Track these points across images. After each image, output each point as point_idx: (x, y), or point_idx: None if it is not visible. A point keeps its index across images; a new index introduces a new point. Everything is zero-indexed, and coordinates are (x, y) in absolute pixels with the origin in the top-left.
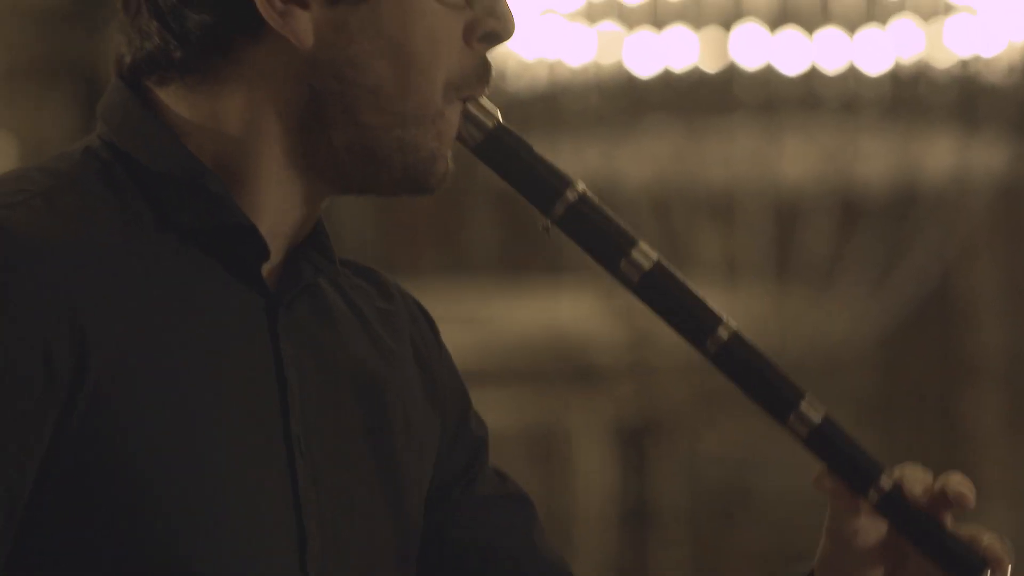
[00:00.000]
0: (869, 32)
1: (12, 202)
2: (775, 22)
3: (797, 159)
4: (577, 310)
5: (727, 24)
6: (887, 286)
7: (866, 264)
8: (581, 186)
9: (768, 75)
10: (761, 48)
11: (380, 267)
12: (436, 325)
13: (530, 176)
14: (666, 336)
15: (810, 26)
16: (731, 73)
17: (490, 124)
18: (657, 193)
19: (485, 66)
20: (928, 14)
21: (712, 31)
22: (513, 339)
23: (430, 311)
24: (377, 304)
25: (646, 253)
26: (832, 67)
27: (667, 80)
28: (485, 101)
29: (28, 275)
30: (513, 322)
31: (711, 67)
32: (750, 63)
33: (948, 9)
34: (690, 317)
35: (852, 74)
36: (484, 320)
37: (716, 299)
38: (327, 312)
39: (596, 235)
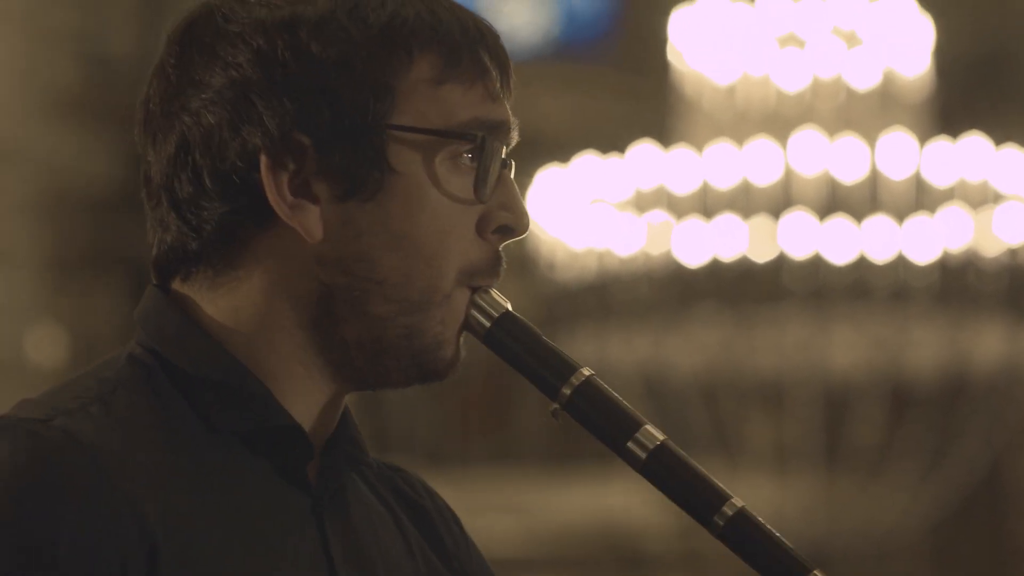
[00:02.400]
0: (918, 220)
1: (70, 408)
2: (824, 211)
3: (846, 348)
4: (627, 498)
5: (776, 213)
6: (937, 474)
7: (916, 452)
8: (588, 371)
9: (817, 264)
10: (810, 237)
11: (430, 456)
12: (461, 522)
13: (537, 363)
14: None
15: (859, 215)
16: (780, 262)
17: (496, 313)
18: (706, 381)
19: (497, 257)
20: (977, 203)
21: (761, 220)
22: (562, 527)
23: (479, 500)
24: (405, 499)
25: (652, 435)
26: (881, 256)
27: (716, 269)
28: (496, 293)
29: (97, 478)
30: (562, 510)
31: (760, 256)
32: (799, 252)
33: (997, 198)
34: (696, 496)
35: (901, 263)
36: (533, 508)
37: (765, 487)
38: (361, 505)
39: (602, 418)
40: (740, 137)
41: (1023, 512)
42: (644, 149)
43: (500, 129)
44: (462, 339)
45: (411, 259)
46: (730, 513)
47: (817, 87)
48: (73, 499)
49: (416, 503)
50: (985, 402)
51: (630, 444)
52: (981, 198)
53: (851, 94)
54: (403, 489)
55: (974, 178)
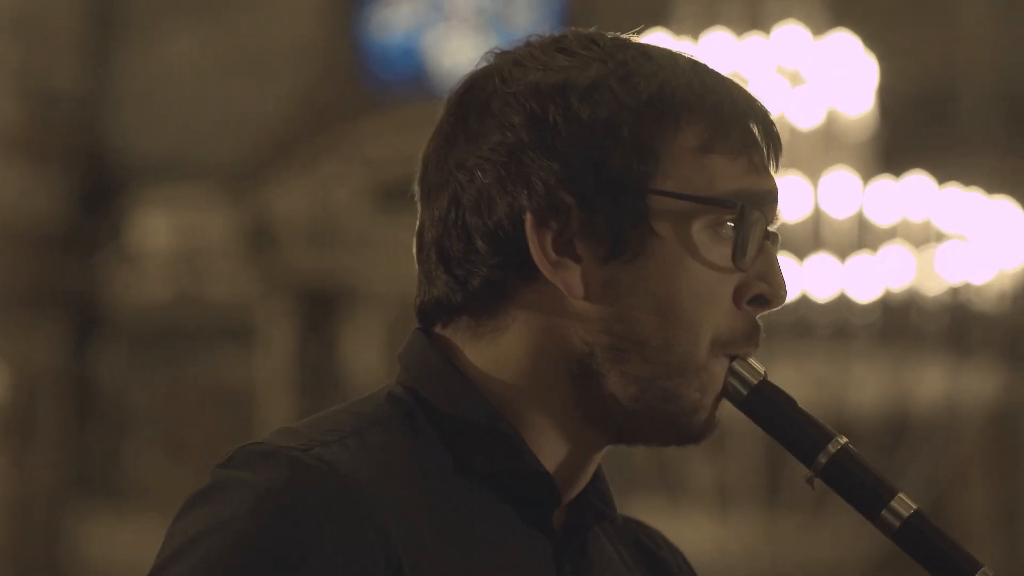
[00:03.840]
0: (860, 259)
1: (327, 440)
2: None
3: (788, 386)
4: None
5: None
6: None
7: None
8: (843, 439)
9: None
10: None
11: None
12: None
13: (793, 430)
14: None
15: (801, 253)
16: None
17: (755, 381)
18: None
19: (754, 327)
20: (919, 241)
21: None
22: None
23: None
24: (645, 552)
25: (905, 503)
26: (823, 294)
27: None
28: (753, 360)
29: (349, 505)
30: None
31: None
32: None
33: (939, 237)
34: (951, 563)
35: (843, 301)
36: None
37: (707, 525)
38: (601, 557)
39: (857, 486)
40: None
41: None
42: None
43: (765, 200)
44: (719, 407)
45: (670, 323)
46: None
47: None
48: (327, 522)
49: (656, 555)
50: (927, 440)
51: (884, 512)
52: (923, 237)
53: (794, 133)
54: (644, 542)
55: (917, 217)
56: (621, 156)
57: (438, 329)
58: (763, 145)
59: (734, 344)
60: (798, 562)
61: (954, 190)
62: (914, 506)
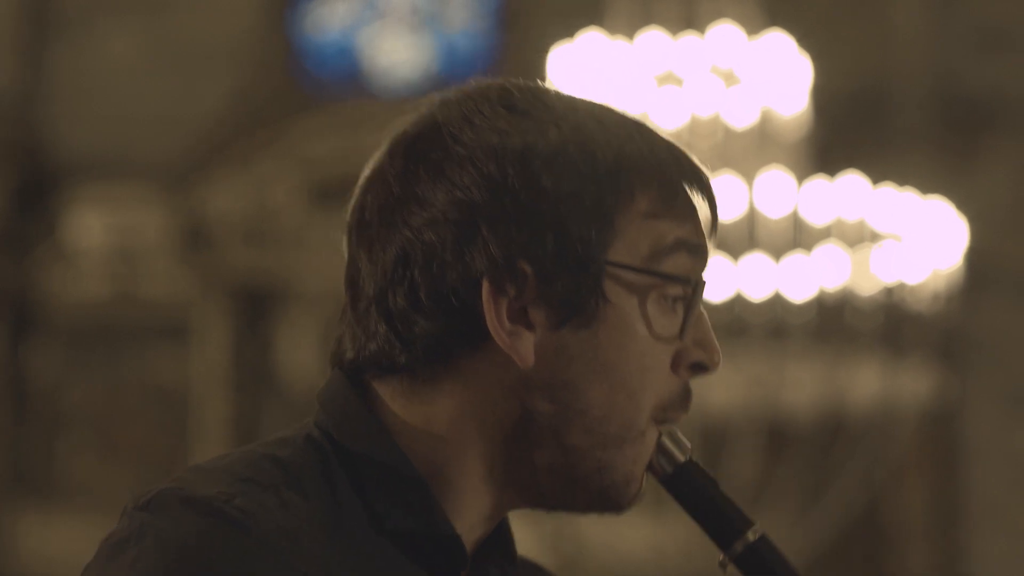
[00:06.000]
0: (795, 259)
1: (245, 491)
2: None
3: (723, 385)
4: None
5: None
6: (814, 512)
7: (793, 490)
8: (760, 529)
9: None
10: None
11: None
12: None
13: (713, 513)
14: None
15: (735, 253)
16: None
17: (681, 458)
18: None
19: (687, 392)
20: (853, 241)
21: None
22: None
23: None
24: None
25: None
26: (758, 294)
27: None
28: (680, 435)
29: (263, 562)
30: None
31: None
32: None
33: (874, 236)
34: None
35: (778, 301)
36: None
37: (645, 525)
38: None
39: None
40: None
41: (900, 549)
42: None
43: (701, 254)
44: (645, 476)
45: (615, 392)
46: None
47: (695, 125)
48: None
49: None
50: (862, 440)
51: None
52: (858, 237)
53: (729, 132)
54: None
55: (851, 217)
56: (581, 227)
57: (368, 376)
58: (705, 210)
59: (671, 409)
60: None
61: (889, 190)
62: None
